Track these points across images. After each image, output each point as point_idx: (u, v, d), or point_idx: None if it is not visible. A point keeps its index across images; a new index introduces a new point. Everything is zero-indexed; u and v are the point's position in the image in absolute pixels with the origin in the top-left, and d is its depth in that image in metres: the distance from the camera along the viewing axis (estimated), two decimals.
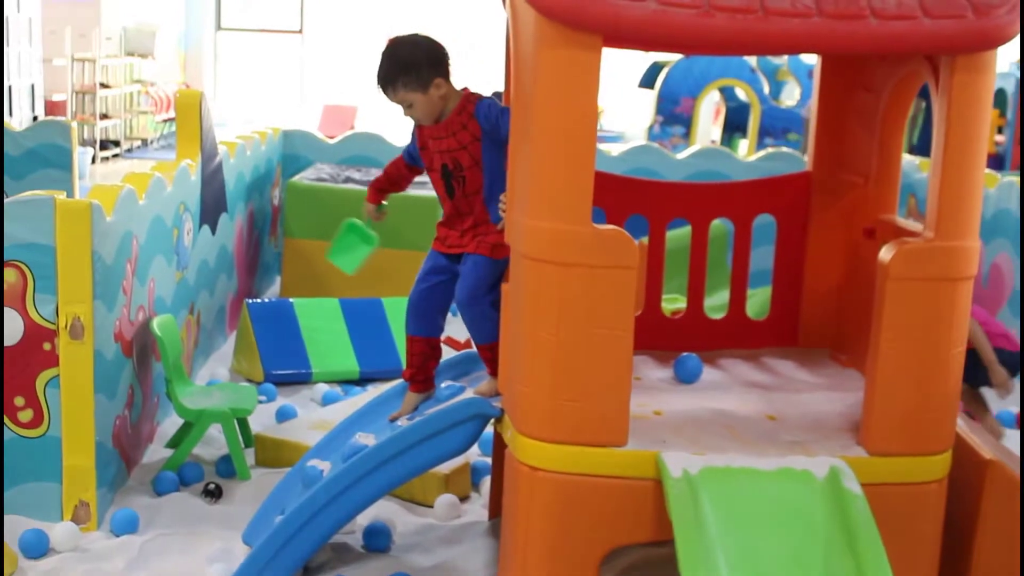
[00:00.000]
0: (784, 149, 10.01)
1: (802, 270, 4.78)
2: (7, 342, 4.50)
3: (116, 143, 18.92)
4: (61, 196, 4.52)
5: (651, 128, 15.59)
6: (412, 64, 4.01)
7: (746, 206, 4.77)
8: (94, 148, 17.52)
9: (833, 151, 4.70)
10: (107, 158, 18.25)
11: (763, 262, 5.27)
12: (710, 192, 4.86)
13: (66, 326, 4.49)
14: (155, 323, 5.30)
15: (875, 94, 4.45)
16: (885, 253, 3.63)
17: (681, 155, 9.53)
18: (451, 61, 4.06)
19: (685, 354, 4.39)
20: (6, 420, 4.56)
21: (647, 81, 16.75)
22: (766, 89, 15.46)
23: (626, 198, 4.71)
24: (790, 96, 16.28)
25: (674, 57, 15.68)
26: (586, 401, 3.57)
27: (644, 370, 4.38)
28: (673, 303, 6.24)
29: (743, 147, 15.87)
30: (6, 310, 4.48)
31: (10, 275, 4.46)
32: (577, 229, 3.49)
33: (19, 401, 4.55)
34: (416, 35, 4.10)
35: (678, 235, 5.14)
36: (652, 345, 4.61)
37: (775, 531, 3.36)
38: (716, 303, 5.35)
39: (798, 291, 4.81)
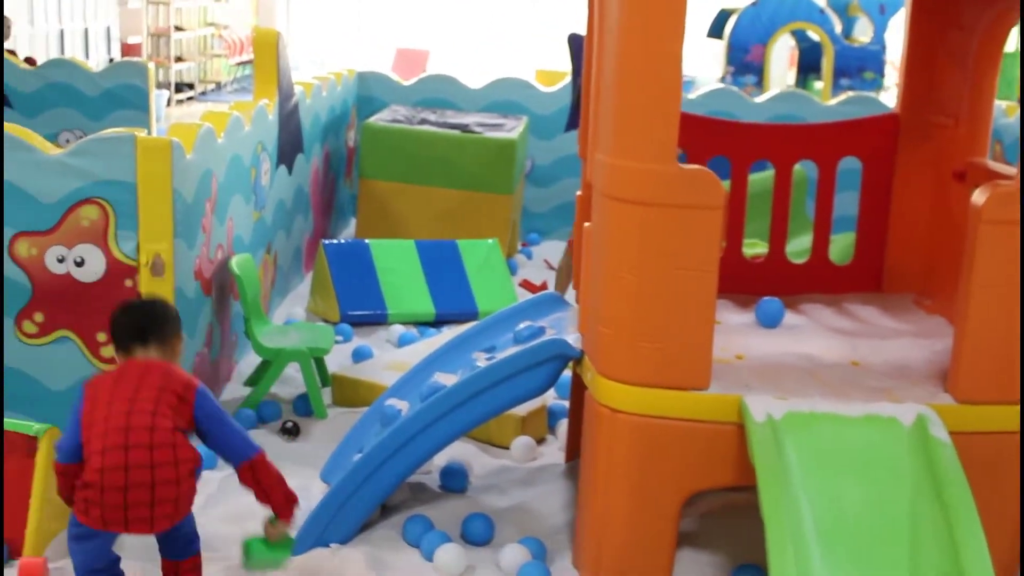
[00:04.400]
0: (865, 93, 9.82)
1: (888, 214, 4.69)
2: (89, 278, 4.53)
3: (190, 86, 19.05)
4: (142, 134, 4.53)
5: (723, 79, 15.36)
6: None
7: (831, 148, 4.68)
8: (169, 91, 17.65)
9: (922, 92, 4.58)
10: (181, 101, 18.38)
11: (843, 208, 5.17)
12: (795, 133, 4.77)
13: (147, 263, 4.52)
14: (234, 262, 5.32)
15: (967, 33, 4.33)
16: (978, 196, 3.53)
17: (759, 99, 9.38)
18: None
19: (767, 298, 4.33)
20: (88, 355, 4.60)
21: (715, 30, 16.45)
22: (837, 28, 15.09)
23: (708, 139, 4.64)
24: (863, 33, 15.87)
25: (742, 3, 15.40)
26: (668, 343, 3.53)
27: (724, 314, 4.33)
28: (751, 248, 6.16)
29: (819, 88, 15.58)
30: (88, 246, 4.51)
31: (92, 212, 4.49)
32: (661, 168, 3.44)
33: (101, 336, 4.59)
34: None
35: (755, 180, 5.06)
36: (732, 289, 4.54)
37: (860, 478, 3.31)
38: (794, 249, 5.28)
39: (883, 236, 4.72)
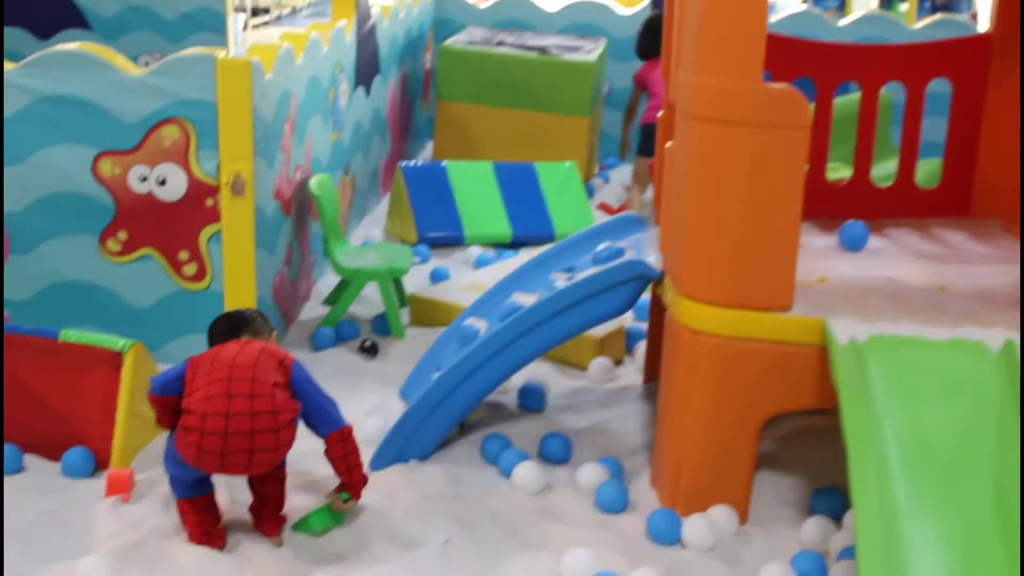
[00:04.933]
0: (952, 16, 9.57)
1: (977, 137, 4.59)
2: (171, 197, 4.57)
3: (266, 10, 19.02)
4: (222, 53, 4.53)
5: (804, 1, 15.03)
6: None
7: (920, 69, 4.57)
8: (245, 15, 17.66)
9: (1016, 13, 4.45)
10: (257, 25, 18.39)
11: (927, 134, 5.05)
12: (882, 54, 4.66)
13: (227, 182, 4.54)
14: (312, 182, 5.34)
15: None
16: None
17: (842, 22, 9.18)
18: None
19: (850, 221, 4.26)
20: (171, 273, 4.66)
21: None
22: None
23: (792, 60, 4.55)
24: None
25: None
26: (751, 264, 3.49)
27: (807, 237, 4.27)
28: (834, 173, 6.07)
29: (904, 11, 15.21)
30: (170, 165, 4.54)
31: (173, 132, 4.51)
32: (746, 86, 3.37)
33: (183, 255, 4.64)
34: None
35: (839, 103, 4.97)
36: (815, 213, 4.49)
37: (945, 403, 3.25)
38: (876, 175, 5.18)
39: (972, 160, 4.62)
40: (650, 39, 7.18)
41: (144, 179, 4.56)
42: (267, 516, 3.65)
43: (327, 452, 3.61)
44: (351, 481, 3.63)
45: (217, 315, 3.88)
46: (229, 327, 3.76)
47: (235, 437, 3.36)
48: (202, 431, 3.36)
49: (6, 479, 3.93)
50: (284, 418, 3.42)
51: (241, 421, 3.36)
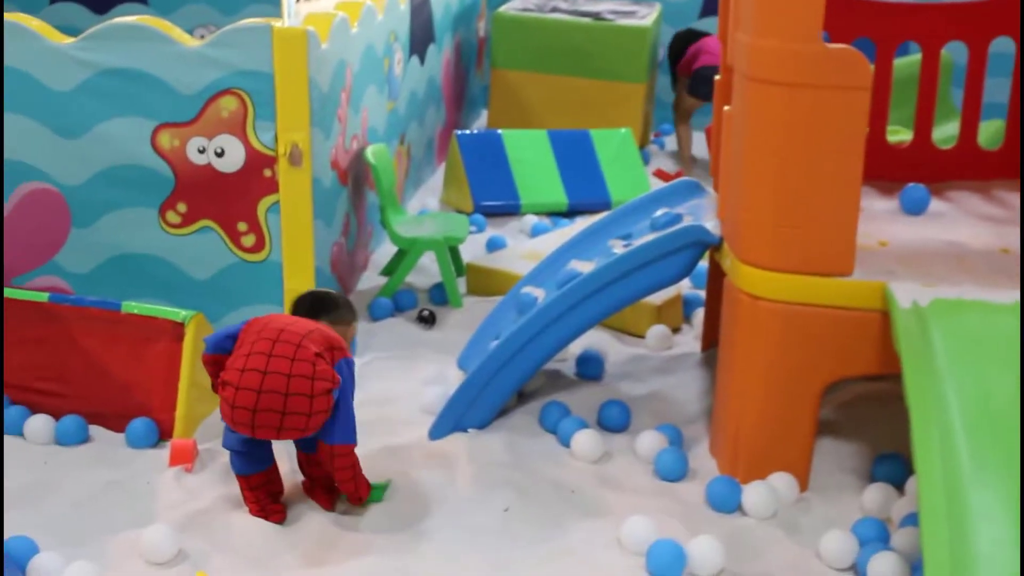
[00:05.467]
0: None
1: None
2: (229, 168, 4.59)
3: None
4: (278, 23, 4.54)
5: None
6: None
7: (983, 28, 4.49)
8: None
9: None
10: None
11: (988, 95, 4.95)
12: (944, 12, 4.57)
13: (285, 153, 4.56)
14: (369, 152, 5.34)
15: None
16: None
17: None
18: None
19: (911, 184, 4.21)
20: (230, 244, 4.68)
21: None
22: None
23: (851, 20, 4.49)
24: None
25: None
26: (811, 228, 3.46)
27: (868, 200, 4.22)
28: (894, 135, 5.99)
29: None
30: (227, 136, 4.56)
31: (230, 103, 4.53)
32: (806, 47, 3.33)
33: (242, 226, 4.67)
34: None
35: (898, 64, 4.90)
36: (875, 176, 4.42)
37: (1009, 367, 3.19)
38: (938, 136, 5.11)
39: None
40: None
41: (202, 151, 4.59)
42: (318, 492, 3.67)
43: (320, 455, 3.56)
44: (342, 491, 3.61)
45: (305, 292, 3.90)
46: (311, 306, 3.76)
47: (268, 395, 3.33)
48: (237, 386, 3.35)
49: (71, 450, 3.99)
50: (320, 386, 3.37)
51: (277, 381, 3.34)
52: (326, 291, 3.91)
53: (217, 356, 3.52)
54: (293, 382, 3.35)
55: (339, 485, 3.57)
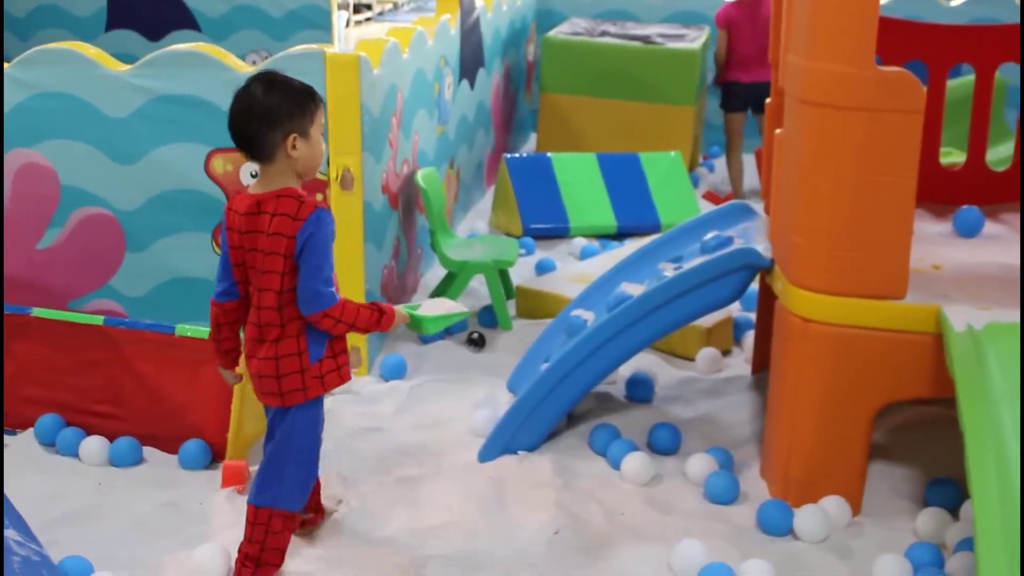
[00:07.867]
0: None
1: None
2: None
3: (368, 6, 19.20)
4: (331, 49, 4.58)
5: None
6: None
7: None
8: (348, 12, 17.84)
9: None
10: (359, 22, 18.56)
11: None
12: (996, 35, 4.55)
13: (336, 177, 4.59)
14: (419, 175, 5.37)
15: None
16: None
17: (954, 2, 8.99)
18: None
19: (965, 206, 4.18)
20: None
21: None
22: None
23: (905, 42, 4.48)
24: None
25: None
26: (864, 251, 3.44)
27: (920, 223, 4.19)
28: (946, 157, 5.95)
29: None
30: None
31: None
32: (859, 71, 3.32)
33: None
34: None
35: (951, 86, 4.87)
36: (928, 198, 4.40)
37: None
38: (992, 158, 5.07)
39: None
40: None
41: (255, 175, 4.63)
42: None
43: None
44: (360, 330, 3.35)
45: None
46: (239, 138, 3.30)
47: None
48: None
49: (126, 471, 4.03)
50: (284, 348, 3.24)
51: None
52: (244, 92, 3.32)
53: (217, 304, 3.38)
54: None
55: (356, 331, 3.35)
